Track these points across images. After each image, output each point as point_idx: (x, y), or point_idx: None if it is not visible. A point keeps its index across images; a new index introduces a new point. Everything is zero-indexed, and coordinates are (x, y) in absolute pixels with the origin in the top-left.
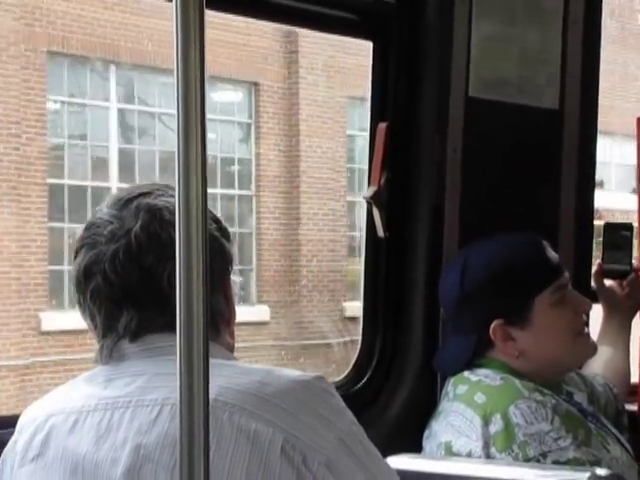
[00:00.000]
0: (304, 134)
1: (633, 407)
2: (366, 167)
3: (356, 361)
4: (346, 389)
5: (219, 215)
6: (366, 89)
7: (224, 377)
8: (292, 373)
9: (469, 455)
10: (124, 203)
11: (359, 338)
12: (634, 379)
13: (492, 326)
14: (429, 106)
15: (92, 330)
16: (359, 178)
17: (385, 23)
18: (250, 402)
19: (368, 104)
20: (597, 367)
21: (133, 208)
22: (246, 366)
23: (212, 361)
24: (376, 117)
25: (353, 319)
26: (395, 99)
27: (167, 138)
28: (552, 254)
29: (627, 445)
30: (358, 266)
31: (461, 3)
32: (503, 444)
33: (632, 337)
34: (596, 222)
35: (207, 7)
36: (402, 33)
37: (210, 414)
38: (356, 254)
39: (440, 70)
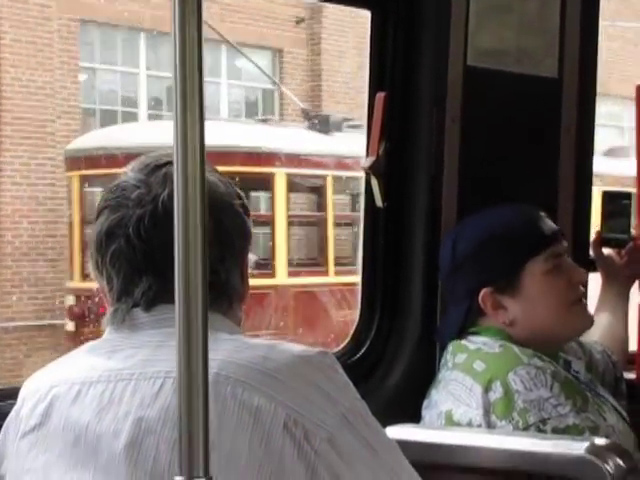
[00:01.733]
0: (7, 64)
1: (631, 375)
2: (111, 107)
3: (355, 332)
4: (345, 360)
5: None
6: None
7: (227, 351)
8: (296, 348)
9: (469, 423)
10: (152, 169)
11: (357, 311)
12: (632, 347)
13: (481, 294)
14: (427, 76)
15: (106, 292)
16: (102, 121)
17: None
18: (253, 377)
19: (112, 31)
20: (596, 334)
21: (161, 175)
22: (250, 340)
23: (216, 335)
24: (374, 86)
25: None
26: (393, 69)
27: None
28: (547, 223)
29: (624, 413)
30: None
31: None
32: (503, 411)
33: (630, 305)
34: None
35: None
36: (400, 2)
37: (212, 388)
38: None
39: (438, 39)
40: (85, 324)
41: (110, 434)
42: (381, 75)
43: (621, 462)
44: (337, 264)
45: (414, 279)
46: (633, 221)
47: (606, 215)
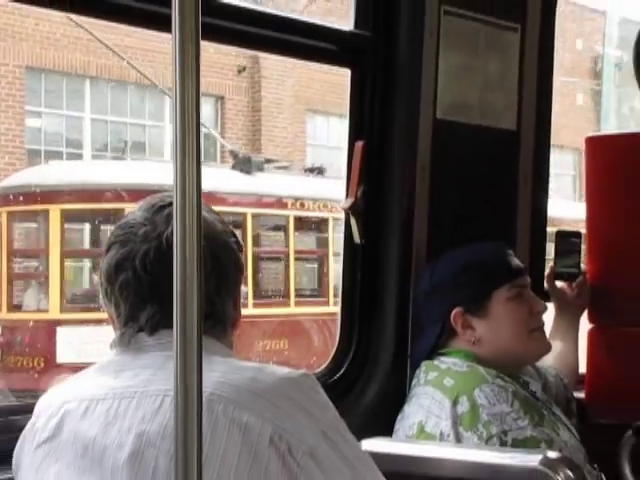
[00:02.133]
0: None
1: (581, 395)
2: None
3: (334, 354)
4: (325, 380)
5: None
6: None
7: (220, 372)
8: (282, 370)
9: (440, 433)
10: (157, 209)
11: (337, 334)
12: (582, 370)
13: (453, 313)
14: (401, 127)
15: (114, 318)
16: (47, 161)
17: (362, 53)
18: (243, 396)
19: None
20: (549, 360)
21: (165, 214)
22: (241, 363)
23: (211, 358)
24: (353, 136)
25: None
26: (370, 120)
27: None
28: (513, 259)
29: (574, 430)
30: None
31: (430, 37)
32: (469, 423)
33: (580, 332)
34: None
35: (203, 38)
36: (377, 62)
37: (206, 406)
38: None
39: (411, 95)
40: (10, 354)
41: (114, 446)
42: (360, 126)
43: (571, 474)
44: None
45: (387, 309)
46: (583, 257)
47: (559, 252)
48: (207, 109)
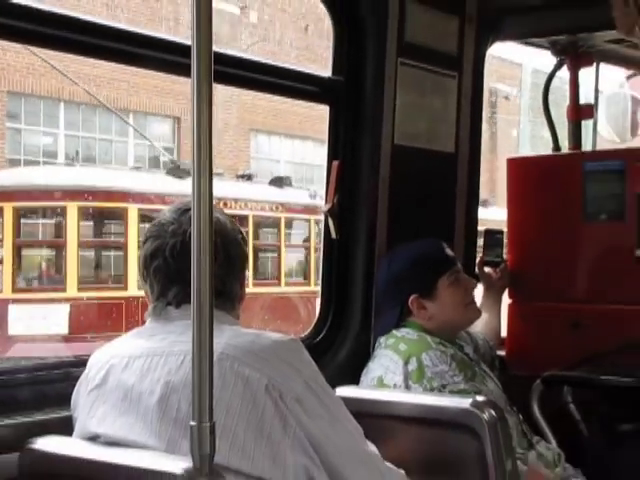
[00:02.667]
0: None
1: (502, 353)
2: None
3: (316, 323)
4: (308, 342)
5: None
6: None
7: (228, 337)
8: (275, 335)
9: (394, 385)
10: (182, 211)
11: (317, 308)
12: (503, 334)
13: (410, 299)
14: (367, 150)
15: (148, 295)
16: None
17: (337, 94)
18: (245, 355)
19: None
20: (479, 327)
21: (188, 216)
22: (244, 330)
23: (221, 326)
24: (331, 156)
25: None
26: (344, 145)
27: None
28: (448, 251)
29: (497, 381)
30: None
31: (389, 82)
32: (417, 378)
33: (503, 306)
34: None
35: (215, 81)
36: (349, 101)
37: (217, 363)
38: None
39: (374, 126)
40: None
41: (147, 393)
42: (336, 149)
43: (494, 413)
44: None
45: (356, 289)
46: (505, 249)
47: (486, 245)
48: (166, 128)
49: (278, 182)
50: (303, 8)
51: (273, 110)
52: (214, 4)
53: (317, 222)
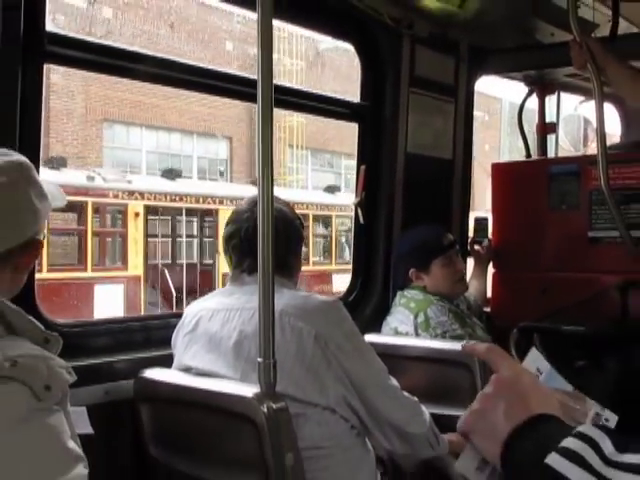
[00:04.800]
0: None
1: (488, 309)
2: None
3: (348, 288)
4: (344, 302)
5: None
6: None
7: (286, 298)
8: (321, 297)
9: (407, 333)
10: (254, 204)
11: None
12: (489, 295)
13: (410, 272)
14: (387, 157)
15: (230, 265)
16: None
17: (364, 115)
18: (299, 312)
19: None
20: (471, 290)
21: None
22: (299, 293)
23: (282, 289)
24: (359, 162)
25: None
26: (369, 153)
27: None
28: (447, 238)
29: (485, 330)
30: None
31: (403, 106)
32: (424, 328)
33: (488, 275)
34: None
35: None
36: (373, 120)
37: (278, 318)
38: None
39: (392, 138)
40: None
41: (226, 337)
42: (363, 156)
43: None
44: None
45: (377, 262)
46: (490, 231)
47: (475, 228)
48: (222, 146)
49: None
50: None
51: (132, 102)
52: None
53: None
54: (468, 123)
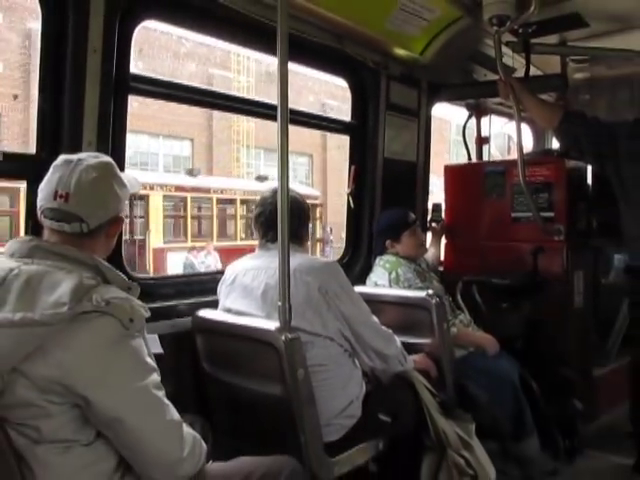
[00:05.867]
0: None
1: (441, 268)
2: None
3: (343, 254)
4: (340, 262)
5: None
6: None
7: (299, 259)
8: (323, 259)
9: (383, 285)
10: (274, 192)
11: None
12: (442, 258)
13: (386, 243)
14: (370, 160)
15: (258, 236)
16: None
17: (354, 130)
18: (307, 269)
19: None
20: (429, 254)
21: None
22: (307, 255)
23: (295, 254)
24: (351, 163)
25: None
26: (358, 157)
27: None
28: (411, 216)
29: (439, 282)
30: None
31: (381, 123)
32: (395, 282)
33: (441, 244)
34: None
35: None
36: (360, 133)
37: (292, 274)
38: None
39: (374, 147)
40: None
41: (255, 288)
42: (353, 159)
43: (437, 299)
44: None
45: (363, 234)
46: (443, 214)
47: (432, 211)
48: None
49: None
50: None
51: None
52: None
53: None
54: (427, 136)
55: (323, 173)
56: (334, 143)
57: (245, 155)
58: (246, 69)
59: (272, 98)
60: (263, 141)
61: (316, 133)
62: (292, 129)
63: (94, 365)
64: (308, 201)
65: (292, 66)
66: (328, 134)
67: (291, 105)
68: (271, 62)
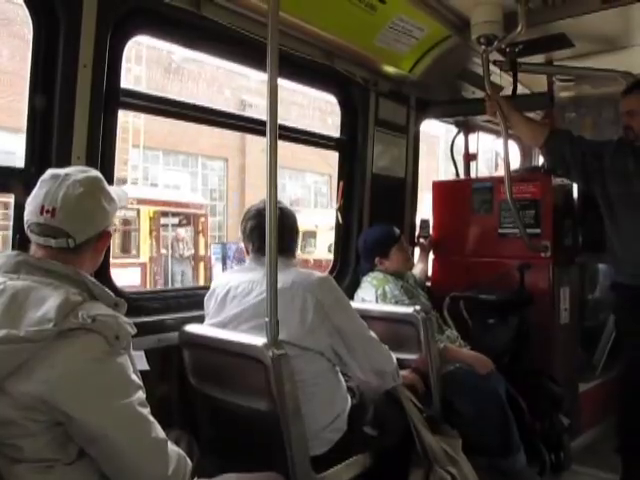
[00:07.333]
0: None
1: (429, 284)
2: None
3: (331, 267)
4: (332, 276)
5: None
6: None
7: (293, 274)
8: (318, 273)
9: (371, 301)
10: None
11: (332, 259)
12: (430, 274)
13: (376, 260)
14: (358, 175)
15: (248, 247)
16: None
17: (343, 146)
18: (302, 283)
19: None
20: (417, 270)
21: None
22: (301, 270)
23: (288, 268)
24: (339, 178)
25: None
26: (346, 173)
27: None
28: (396, 230)
29: (426, 298)
30: None
31: (370, 139)
32: (382, 299)
33: (429, 259)
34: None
35: (282, 139)
36: (349, 149)
37: (288, 289)
38: None
39: (362, 162)
40: None
41: (250, 299)
42: (342, 174)
43: (424, 314)
44: None
45: (352, 250)
46: (431, 229)
47: (420, 227)
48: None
49: None
50: None
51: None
52: None
53: None
54: (415, 153)
55: (240, 180)
56: (256, 147)
57: (140, 157)
58: (142, 58)
59: (167, 91)
60: (162, 142)
61: (234, 135)
62: (206, 129)
63: (79, 382)
64: (187, 210)
65: (213, 60)
66: (248, 136)
67: (200, 101)
68: (174, 51)
